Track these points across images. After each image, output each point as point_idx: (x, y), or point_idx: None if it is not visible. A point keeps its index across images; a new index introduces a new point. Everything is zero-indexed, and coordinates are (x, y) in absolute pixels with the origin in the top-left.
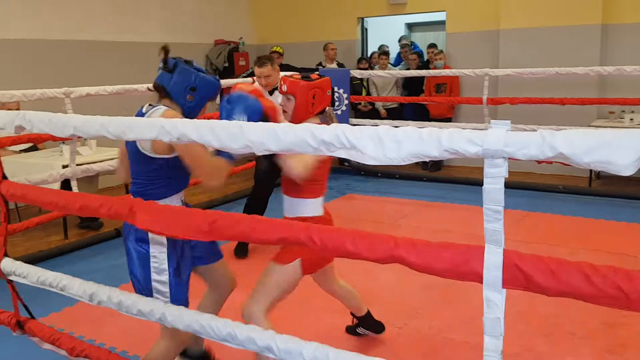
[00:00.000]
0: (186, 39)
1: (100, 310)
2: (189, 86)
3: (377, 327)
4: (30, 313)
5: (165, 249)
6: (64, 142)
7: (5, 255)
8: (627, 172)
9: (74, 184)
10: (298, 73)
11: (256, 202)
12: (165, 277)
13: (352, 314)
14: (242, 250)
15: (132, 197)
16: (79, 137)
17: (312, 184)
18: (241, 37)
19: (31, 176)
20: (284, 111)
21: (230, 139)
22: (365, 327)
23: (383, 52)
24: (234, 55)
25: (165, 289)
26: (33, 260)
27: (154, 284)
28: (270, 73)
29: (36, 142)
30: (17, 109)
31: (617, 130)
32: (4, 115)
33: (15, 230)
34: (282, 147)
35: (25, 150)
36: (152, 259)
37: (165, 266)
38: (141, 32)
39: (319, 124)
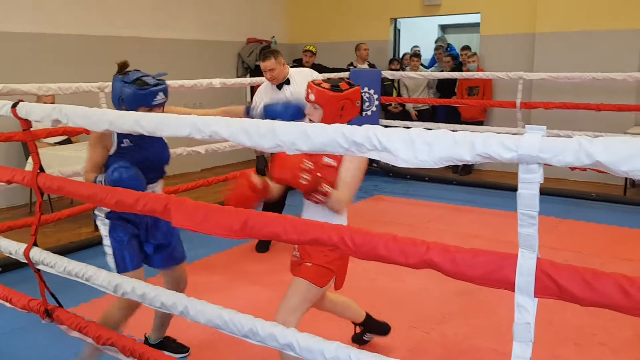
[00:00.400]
0: (219, 36)
1: None
2: (120, 97)
3: (382, 327)
4: (58, 301)
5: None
6: None
7: (35, 245)
8: None
9: None
10: (327, 80)
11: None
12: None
13: (353, 323)
14: (263, 246)
15: None
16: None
17: None
18: (273, 36)
19: (64, 168)
20: (310, 120)
21: (261, 138)
22: (370, 331)
23: (414, 53)
24: None
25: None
26: (63, 251)
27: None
28: (274, 67)
29: (70, 135)
30: (53, 102)
31: None
32: (41, 108)
33: (47, 221)
34: (312, 147)
35: (60, 143)
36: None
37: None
38: (176, 29)
39: None
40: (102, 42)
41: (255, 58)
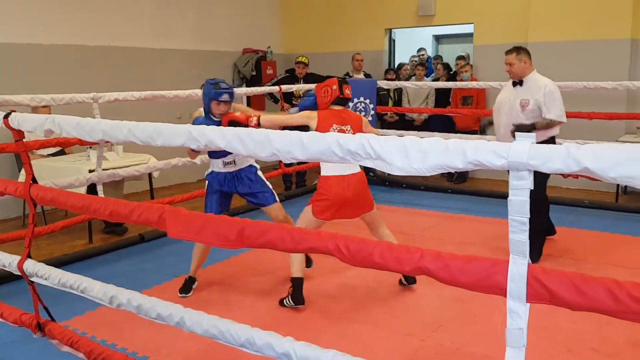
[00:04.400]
0: (215, 46)
1: (122, 314)
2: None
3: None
4: (50, 315)
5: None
6: (91, 147)
7: (29, 257)
8: None
9: (99, 188)
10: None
11: None
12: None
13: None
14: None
15: None
16: (107, 142)
17: None
18: (269, 46)
19: (58, 180)
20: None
21: (257, 147)
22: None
23: (421, 62)
24: (262, 63)
25: None
26: (57, 263)
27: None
28: None
29: (64, 147)
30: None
31: (636, 145)
32: (34, 118)
33: (41, 233)
34: (308, 156)
35: (53, 155)
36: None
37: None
38: (173, 39)
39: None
40: (97, 52)
41: (251, 68)
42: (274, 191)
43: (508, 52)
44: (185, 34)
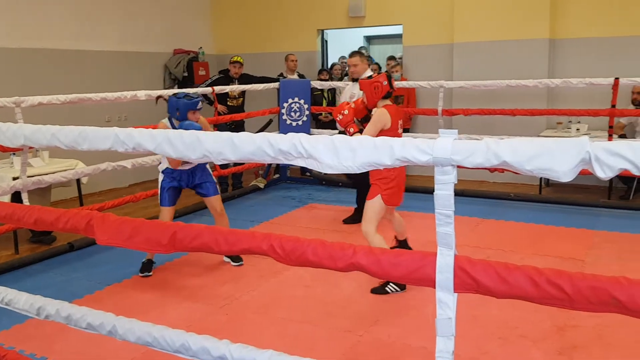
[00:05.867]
0: (144, 47)
1: (53, 326)
2: (176, 107)
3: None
4: None
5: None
6: (14, 154)
7: None
8: (566, 178)
9: (24, 196)
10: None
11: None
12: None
13: (395, 237)
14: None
15: None
16: (30, 147)
17: None
18: (201, 47)
19: None
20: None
21: (188, 149)
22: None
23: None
24: (194, 64)
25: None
26: None
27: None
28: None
29: None
30: None
31: (556, 139)
32: None
33: None
34: (240, 157)
35: None
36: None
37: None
38: (97, 40)
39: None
40: (19, 54)
41: (183, 69)
42: (216, 184)
43: (352, 55)
44: (110, 35)
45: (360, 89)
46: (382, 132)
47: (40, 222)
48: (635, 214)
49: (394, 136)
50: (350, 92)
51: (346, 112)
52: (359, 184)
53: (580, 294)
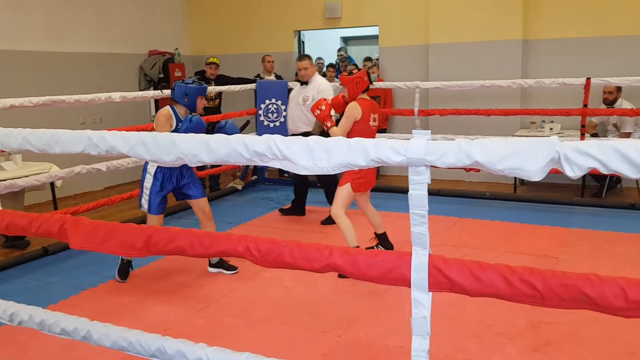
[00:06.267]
0: (118, 49)
1: (25, 333)
2: (184, 92)
3: (391, 247)
4: None
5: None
6: None
7: None
8: (537, 177)
9: None
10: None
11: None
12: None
13: (375, 233)
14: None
15: None
16: (2, 151)
17: None
18: (177, 48)
19: None
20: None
21: (162, 151)
22: (382, 245)
23: (330, 64)
24: (169, 66)
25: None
26: None
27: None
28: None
29: None
30: None
31: (527, 138)
32: None
33: None
34: (215, 159)
35: None
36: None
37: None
38: (70, 41)
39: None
40: None
41: (159, 70)
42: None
43: (302, 59)
44: (83, 37)
45: (341, 84)
46: (354, 124)
47: (12, 227)
48: (608, 211)
49: (365, 128)
50: (302, 95)
51: (324, 107)
52: (326, 184)
53: (552, 291)
